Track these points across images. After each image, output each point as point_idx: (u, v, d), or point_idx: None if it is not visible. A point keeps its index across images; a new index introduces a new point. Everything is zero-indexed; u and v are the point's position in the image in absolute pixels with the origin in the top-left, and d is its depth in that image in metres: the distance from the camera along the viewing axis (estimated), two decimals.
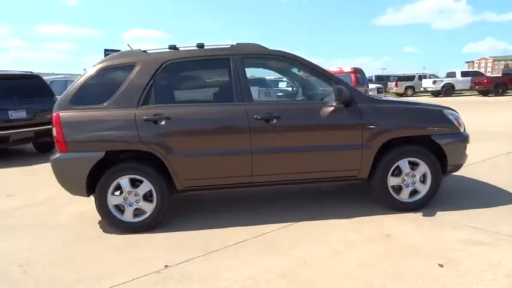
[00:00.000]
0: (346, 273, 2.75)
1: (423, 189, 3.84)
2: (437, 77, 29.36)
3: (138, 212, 3.65)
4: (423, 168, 3.81)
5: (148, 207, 3.64)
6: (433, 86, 26.45)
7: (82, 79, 3.65)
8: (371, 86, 20.11)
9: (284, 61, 3.92)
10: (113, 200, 3.62)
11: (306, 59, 3.82)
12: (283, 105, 4.03)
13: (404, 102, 4.46)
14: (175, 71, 3.82)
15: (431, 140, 3.80)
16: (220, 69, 3.84)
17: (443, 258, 2.87)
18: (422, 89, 27.47)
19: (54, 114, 3.58)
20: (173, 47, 3.80)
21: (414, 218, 3.69)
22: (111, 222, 3.65)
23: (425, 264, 2.80)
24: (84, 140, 3.54)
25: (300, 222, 3.69)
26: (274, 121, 3.60)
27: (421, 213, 3.77)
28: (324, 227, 3.57)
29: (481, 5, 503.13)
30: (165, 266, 2.96)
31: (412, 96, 27.83)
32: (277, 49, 3.84)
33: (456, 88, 26.05)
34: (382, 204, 3.92)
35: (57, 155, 3.57)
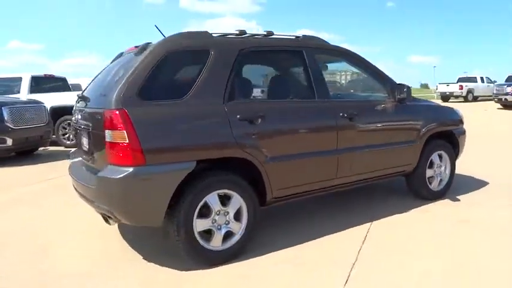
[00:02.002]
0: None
1: (446, 178, 4.32)
2: None
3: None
4: (446, 159, 4.29)
5: (238, 228, 2.93)
6: None
7: (145, 65, 2.65)
8: None
9: (344, 57, 3.77)
10: (200, 224, 2.76)
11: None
12: (357, 102, 3.86)
13: (427, 101, 4.85)
14: (252, 61, 3.23)
15: (448, 134, 4.31)
16: (295, 62, 3.40)
17: None
18: None
19: (116, 111, 2.50)
20: (243, 32, 3.17)
21: (454, 204, 4.09)
22: (197, 254, 2.77)
23: None
24: (170, 147, 2.61)
25: (374, 222, 3.61)
26: (356, 119, 3.44)
27: (448, 200, 4.23)
28: (402, 224, 3.56)
29: (268, 27, 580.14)
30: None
31: None
32: (338, 45, 3.68)
33: None
34: (417, 195, 4.20)
35: (128, 170, 2.49)
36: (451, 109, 4.51)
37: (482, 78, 26.29)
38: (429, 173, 4.16)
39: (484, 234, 3.30)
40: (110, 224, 2.79)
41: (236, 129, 2.82)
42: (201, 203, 2.73)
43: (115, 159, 2.54)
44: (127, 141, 2.47)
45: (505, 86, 18.16)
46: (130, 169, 2.49)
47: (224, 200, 2.85)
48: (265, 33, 3.27)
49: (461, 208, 3.97)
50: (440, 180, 4.28)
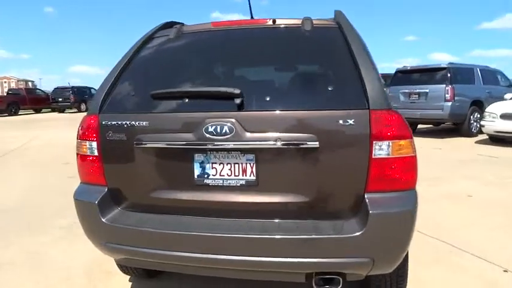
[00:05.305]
0: None
1: None
2: None
3: None
4: None
5: None
6: None
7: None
8: None
9: None
10: None
11: None
12: None
13: None
14: None
15: None
16: None
17: None
18: None
19: (395, 113, 1.74)
20: None
21: None
22: None
23: None
24: None
25: None
26: None
27: None
28: None
29: None
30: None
31: None
32: None
33: None
34: None
35: (411, 194, 1.78)
36: None
37: None
38: None
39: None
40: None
41: None
42: None
43: (393, 183, 1.73)
44: (412, 153, 1.76)
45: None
46: (413, 192, 1.79)
47: None
48: None
49: None
50: None
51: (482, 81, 10.59)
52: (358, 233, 1.67)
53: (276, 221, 1.81)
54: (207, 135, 1.77)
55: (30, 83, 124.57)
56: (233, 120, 1.76)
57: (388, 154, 1.71)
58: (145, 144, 1.87)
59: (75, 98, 24.64)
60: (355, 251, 1.71)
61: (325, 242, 1.70)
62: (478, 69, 10.69)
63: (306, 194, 1.78)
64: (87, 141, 2.00)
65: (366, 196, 1.73)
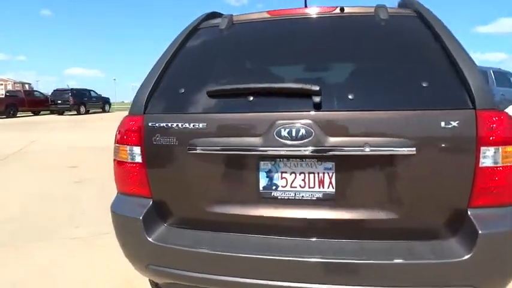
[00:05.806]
0: None
1: None
2: None
3: None
4: None
5: None
6: None
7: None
8: None
9: None
10: None
11: None
12: None
13: None
14: None
15: None
16: None
17: None
18: None
19: (503, 113, 1.48)
20: None
21: None
22: None
23: None
24: None
25: None
26: None
27: None
28: None
29: None
30: None
31: None
32: None
33: None
34: None
35: None
36: None
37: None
38: None
39: None
40: None
41: None
42: None
43: (501, 196, 1.45)
44: None
45: None
46: None
47: None
48: None
49: None
50: None
51: (495, 83, 10.39)
52: (466, 257, 1.39)
53: (360, 241, 1.52)
54: (280, 140, 1.49)
55: (27, 85, 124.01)
56: (310, 122, 1.48)
57: (497, 162, 1.43)
58: (201, 149, 1.59)
59: (74, 100, 24.31)
60: (458, 278, 1.43)
61: (423, 268, 1.42)
62: (492, 71, 10.50)
63: (396, 209, 1.50)
64: (127, 146, 1.72)
65: (469, 212, 1.45)
